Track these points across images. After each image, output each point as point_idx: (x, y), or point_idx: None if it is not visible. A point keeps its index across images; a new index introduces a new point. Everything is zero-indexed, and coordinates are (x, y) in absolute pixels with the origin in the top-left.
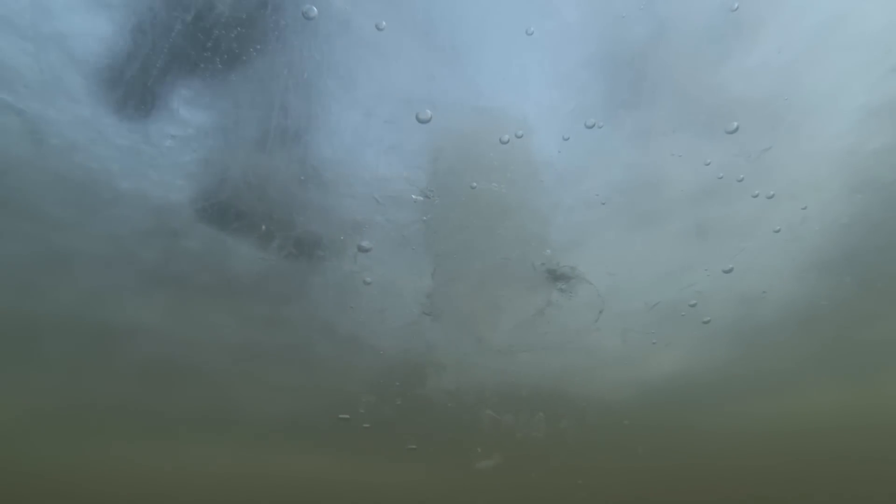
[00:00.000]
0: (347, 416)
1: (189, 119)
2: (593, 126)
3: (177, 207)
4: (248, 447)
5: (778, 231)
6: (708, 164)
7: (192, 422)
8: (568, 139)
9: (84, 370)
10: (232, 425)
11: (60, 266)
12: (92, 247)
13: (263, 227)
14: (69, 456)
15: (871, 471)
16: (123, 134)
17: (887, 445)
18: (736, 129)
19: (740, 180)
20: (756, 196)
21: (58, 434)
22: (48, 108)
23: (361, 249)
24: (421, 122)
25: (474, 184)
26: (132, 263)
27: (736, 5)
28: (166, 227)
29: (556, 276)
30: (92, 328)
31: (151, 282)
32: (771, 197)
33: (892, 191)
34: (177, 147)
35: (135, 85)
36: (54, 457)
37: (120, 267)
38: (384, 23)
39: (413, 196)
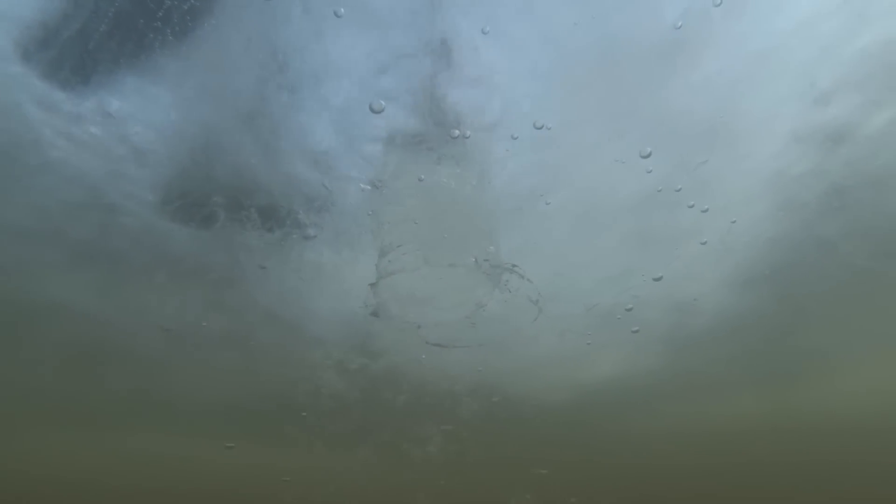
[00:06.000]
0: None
1: (134, 90)
2: (542, 128)
3: (114, 181)
4: (181, 434)
5: (704, 243)
6: (650, 172)
7: (121, 408)
8: (517, 139)
9: (1, 351)
10: (163, 411)
11: None
12: (14, 218)
13: (206, 207)
14: None
15: (791, 470)
16: (58, 99)
17: (805, 447)
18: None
19: (678, 190)
20: (692, 206)
21: None
22: None
23: (306, 237)
24: (374, 111)
25: (422, 176)
26: (60, 238)
27: (680, 23)
28: (101, 202)
29: (499, 273)
30: (12, 305)
31: (81, 259)
32: (706, 211)
33: (809, 212)
34: (119, 118)
35: (73, 47)
36: None
37: (46, 241)
38: (342, 10)
39: (361, 185)
